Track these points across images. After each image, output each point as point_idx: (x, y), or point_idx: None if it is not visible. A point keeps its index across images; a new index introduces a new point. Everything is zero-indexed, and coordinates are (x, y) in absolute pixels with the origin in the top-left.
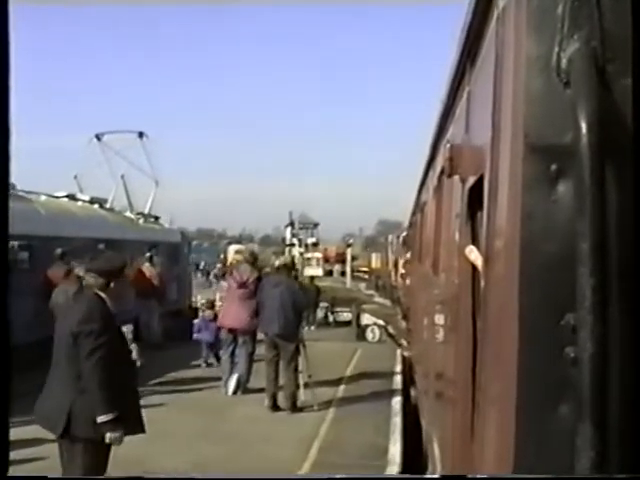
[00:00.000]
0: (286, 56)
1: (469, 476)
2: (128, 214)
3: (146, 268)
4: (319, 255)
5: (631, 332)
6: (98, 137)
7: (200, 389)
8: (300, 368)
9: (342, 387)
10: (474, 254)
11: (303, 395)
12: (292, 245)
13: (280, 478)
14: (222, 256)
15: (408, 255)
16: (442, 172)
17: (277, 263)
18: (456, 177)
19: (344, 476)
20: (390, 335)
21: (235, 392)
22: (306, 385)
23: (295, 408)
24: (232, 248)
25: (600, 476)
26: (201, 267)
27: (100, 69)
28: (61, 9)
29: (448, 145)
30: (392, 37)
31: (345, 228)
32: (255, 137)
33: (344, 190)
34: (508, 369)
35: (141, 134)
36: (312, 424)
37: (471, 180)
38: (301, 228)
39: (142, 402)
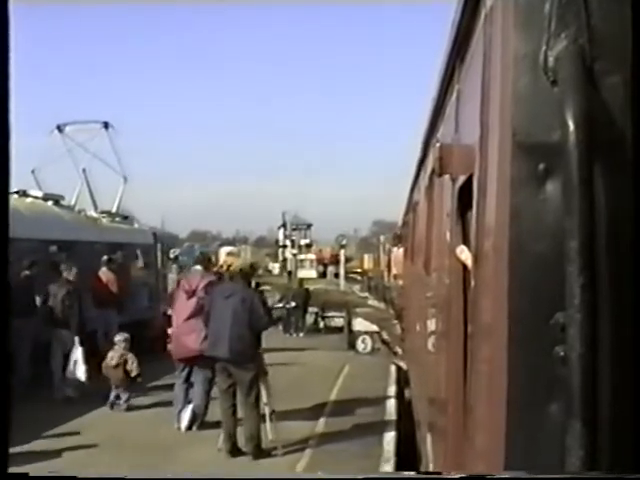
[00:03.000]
0: (281, 57)
1: (488, 476)
2: (91, 213)
3: (103, 273)
4: (312, 257)
5: (620, 330)
6: (60, 128)
7: (149, 422)
8: (265, 400)
9: (323, 419)
10: (465, 254)
11: (270, 432)
12: (284, 247)
13: (281, 478)
14: (213, 258)
15: (395, 249)
16: (433, 171)
17: (232, 267)
18: (446, 176)
19: (344, 476)
20: (384, 342)
21: (190, 427)
22: (270, 418)
23: (259, 452)
24: (224, 250)
25: (593, 475)
26: None
27: (99, 67)
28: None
29: (438, 144)
30: (384, 36)
31: (340, 229)
32: (250, 138)
33: (339, 191)
34: (498, 368)
35: (106, 124)
36: (278, 476)
37: (461, 179)
38: (294, 229)
39: (73, 439)
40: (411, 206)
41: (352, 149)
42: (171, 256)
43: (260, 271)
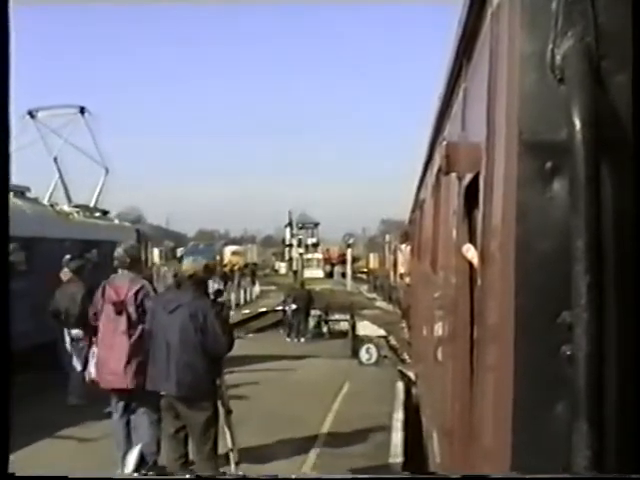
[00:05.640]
0: (286, 56)
1: (492, 475)
2: (64, 207)
3: (65, 275)
4: (319, 256)
5: (627, 329)
6: (31, 114)
7: (96, 458)
8: (229, 444)
9: (310, 460)
10: (471, 252)
11: None
12: (290, 246)
13: (281, 478)
14: (218, 257)
15: (404, 247)
16: (439, 169)
17: (181, 271)
18: (453, 174)
19: (346, 476)
20: (392, 348)
21: (136, 471)
22: (237, 464)
23: None
24: (228, 249)
25: (600, 475)
26: None
27: (104, 66)
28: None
29: (444, 142)
30: (391, 36)
31: (348, 228)
32: (258, 137)
33: (347, 190)
34: (505, 367)
35: (82, 109)
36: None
37: (468, 178)
38: (301, 228)
39: None
40: (418, 204)
41: (361, 147)
42: (178, 255)
43: (267, 270)
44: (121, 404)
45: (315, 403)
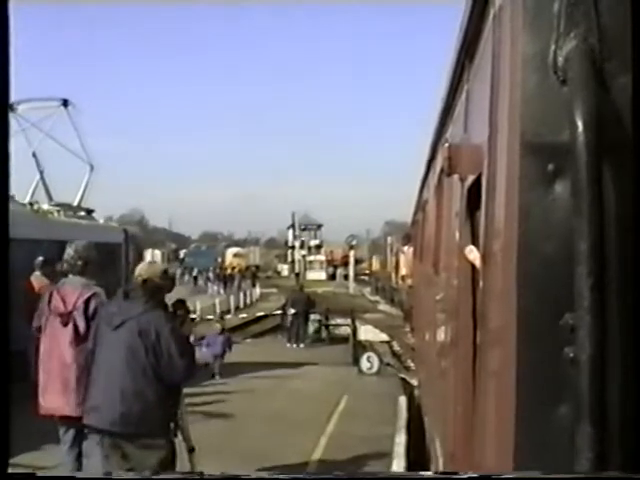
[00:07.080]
0: (287, 56)
1: (494, 476)
2: (44, 206)
3: (36, 278)
4: (322, 258)
5: (630, 331)
6: (11, 107)
7: None
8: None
9: None
10: (473, 254)
11: None
12: (293, 248)
13: (281, 478)
14: (219, 259)
15: (406, 248)
16: (442, 171)
17: (136, 277)
18: (455, 176)
19: (346, 476)
20: (395, 354)
21: None
22: None
23: None
24: (230, 251)
25: (600, 476)
26: (194, 273)
27: (108, 67)
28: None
29: (447, 144)
30: (393, 37)
31: (352, 230)
32: (263, 139)
33: (351, 191)
34: (507, 369)
35: (65, 102)
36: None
37: (470, 179)
38: (303, 229)
39: None
40: (420, 205)
41: (364, 148)
42: (180, 257)
43: (269, 272)
44: (70, 433)
45: (308, 423)
